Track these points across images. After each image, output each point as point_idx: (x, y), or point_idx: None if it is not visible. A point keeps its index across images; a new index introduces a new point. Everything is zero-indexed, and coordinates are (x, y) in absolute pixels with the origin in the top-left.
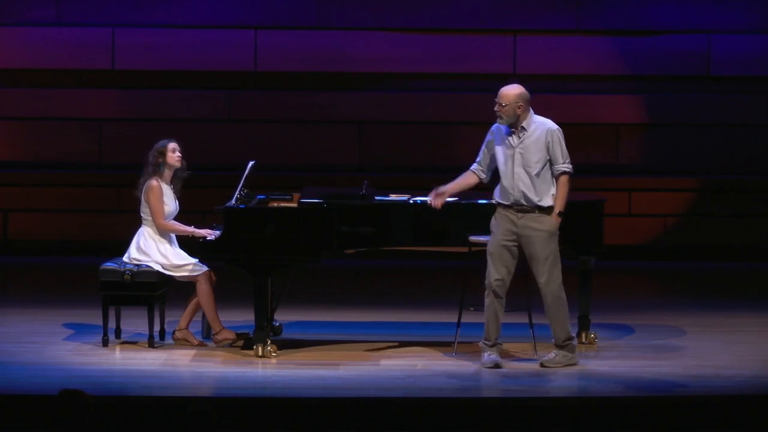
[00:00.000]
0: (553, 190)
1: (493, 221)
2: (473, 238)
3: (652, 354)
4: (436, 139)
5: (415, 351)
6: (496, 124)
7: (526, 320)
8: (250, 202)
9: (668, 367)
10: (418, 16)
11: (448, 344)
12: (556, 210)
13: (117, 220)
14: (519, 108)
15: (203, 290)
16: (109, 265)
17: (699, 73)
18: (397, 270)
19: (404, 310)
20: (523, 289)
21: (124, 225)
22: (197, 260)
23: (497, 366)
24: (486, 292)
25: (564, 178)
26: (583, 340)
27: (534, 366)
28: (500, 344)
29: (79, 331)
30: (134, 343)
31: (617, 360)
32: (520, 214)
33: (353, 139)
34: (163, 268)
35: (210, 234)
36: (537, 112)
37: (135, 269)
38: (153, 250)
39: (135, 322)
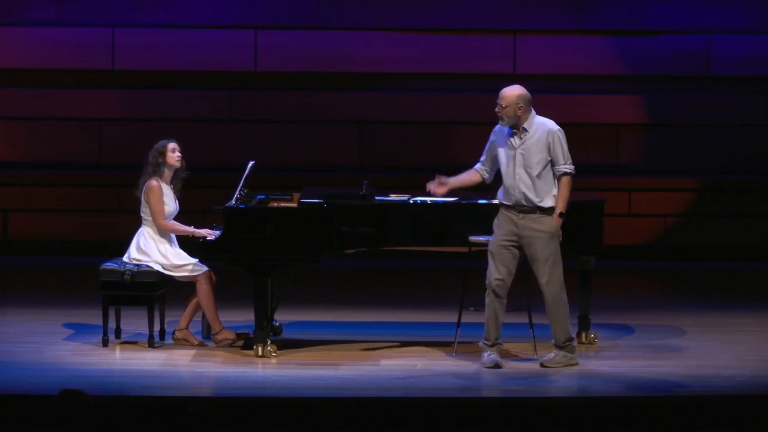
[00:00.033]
0: (554, 191)
1: (495, 221)
2: (473, 238)
3: (652, 354)
4: (436, 139)
5: (415, 351)
6: (499, 125)
7: (526, 320)
8: (250, 202)
9: (668, 367)
10: (418, 16)
11: (448, 344)
12: (557, 211)
13: (117, 220)
14: (519, 109)
15: (203, 290)
16: (109, 265)
17: (699, 73)
18: (397, 270)
19: (404, 310)
20: (523, 289)
21: (124, 225)
22: (197, 260)
23: (497, 366)
24: (486, 292)
25: (565, 179)
26: (583, 340)
27: (534, 366)
28: (500, 344)
29: (79, 331)
30: (134, 343)
31: (617, 360)
32: (521, 215)
33: (353, 139)
34: (163, 268)
35: (210, 234)
36: (537, 112)
37: (135, 269)
38: (153, 250)
39: (135, 322)
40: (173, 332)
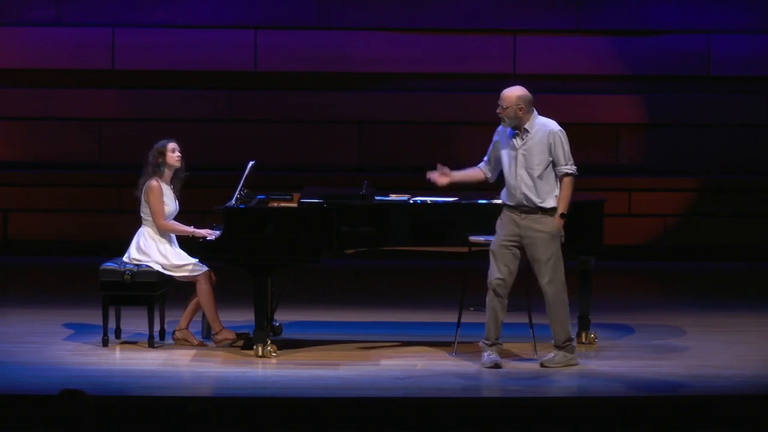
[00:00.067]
0: (556, 192)
1: (498, 221)
2: (473, 238)
3: (652, 354)
4: (436, 139)
5: (415, 351)
6: (501, 125)
7: (526, 320)
8: (250, 202)
9: (668, 367)
10: (418, 16)
11: (448, 344)
12: (559, 212)
13: (117, 220)
14: (520, 110)
15: (203, 290)
16: (109, 265)
17: (699, 73)
18: (397, 270)
19: (404, 310)
20: (523, 289)
21: (124, 225)
22: (197, 260)
23: (497, 366)
24: (487, 291)
25: (567, 180)
26: (583, 340)
27: (534, 366)
28: (500, 344)
29: (79, 331)
30: (134, 343)
31: (617, 360)
32: (523, 215)
33: (353, 139)
34: (163, 268)
35: (210, 234)
36: (538, 113)
37: (135, 269)
38: (153, 250)
39: (135, 322)
40: (173, 332)
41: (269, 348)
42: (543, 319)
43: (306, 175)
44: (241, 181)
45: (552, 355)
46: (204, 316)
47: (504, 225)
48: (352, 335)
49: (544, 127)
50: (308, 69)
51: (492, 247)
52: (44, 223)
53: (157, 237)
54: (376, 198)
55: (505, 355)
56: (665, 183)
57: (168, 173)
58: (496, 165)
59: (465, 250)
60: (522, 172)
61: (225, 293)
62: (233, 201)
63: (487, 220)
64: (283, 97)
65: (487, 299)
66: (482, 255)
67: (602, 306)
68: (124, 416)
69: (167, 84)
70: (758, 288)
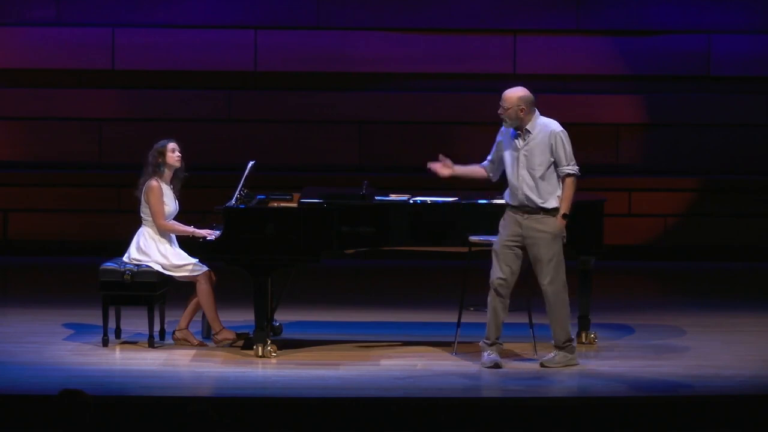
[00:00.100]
0: (558, 192)
1: (501, 221)
2: (473, 238)
3: (652, 354)
4: (436, 139)
5: (415, 351)
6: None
7: (526, 320)
8: (250, 202)
9: (668, 367)
10: (418, 16)
11: (448, 344)
12: (561, 212)
13: (117, 220)
14: (521, 111)
15: (203, 290)
16: (109, 265)
17: (699, 73)
18: (397, 270)
19: (404, 310)
20: (523, 290)
21: (124, 225)
22: (197, 260)
23: (497, 366)
24: (489, 291)
25: (569, 180)
26: (583, 340)
27: (534, 366)
28: (500, 344)
29: (79, 331)
30: (134, 343)
31: (617, 360)
32: (525, 216)
33: (353, 139)
34: (163, 268)
35: (210, 234)
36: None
37: (135, 269)
38: (153, 250)
39: (135, 322)
40: (173, 332)
41: (269, 348)
42: (543, 319)
43: (306, 175)
44: (241, 181)
45: (552, 355)
46: (204, 316)
47: (507, 225)
48: (352, 335)
49: (545, 127)
50: (308, 69)
51: (494, 246)
52: (44, 223)
53: (157, 237)
54: (376, 198)
55: (506, 355)
56: (665, 183)
57: (168, 173)
58: (499, 165)
59: (465, 250)
60: (524, 172)
61: (225, 293)
62: (233, 201)
63: (487, 220)
64: (283, 97)
65: (489, 299)
66: (482, 255)
67: (602, 306)
68: (124, 416)
69: (167, 84)
70: (758, 288)
